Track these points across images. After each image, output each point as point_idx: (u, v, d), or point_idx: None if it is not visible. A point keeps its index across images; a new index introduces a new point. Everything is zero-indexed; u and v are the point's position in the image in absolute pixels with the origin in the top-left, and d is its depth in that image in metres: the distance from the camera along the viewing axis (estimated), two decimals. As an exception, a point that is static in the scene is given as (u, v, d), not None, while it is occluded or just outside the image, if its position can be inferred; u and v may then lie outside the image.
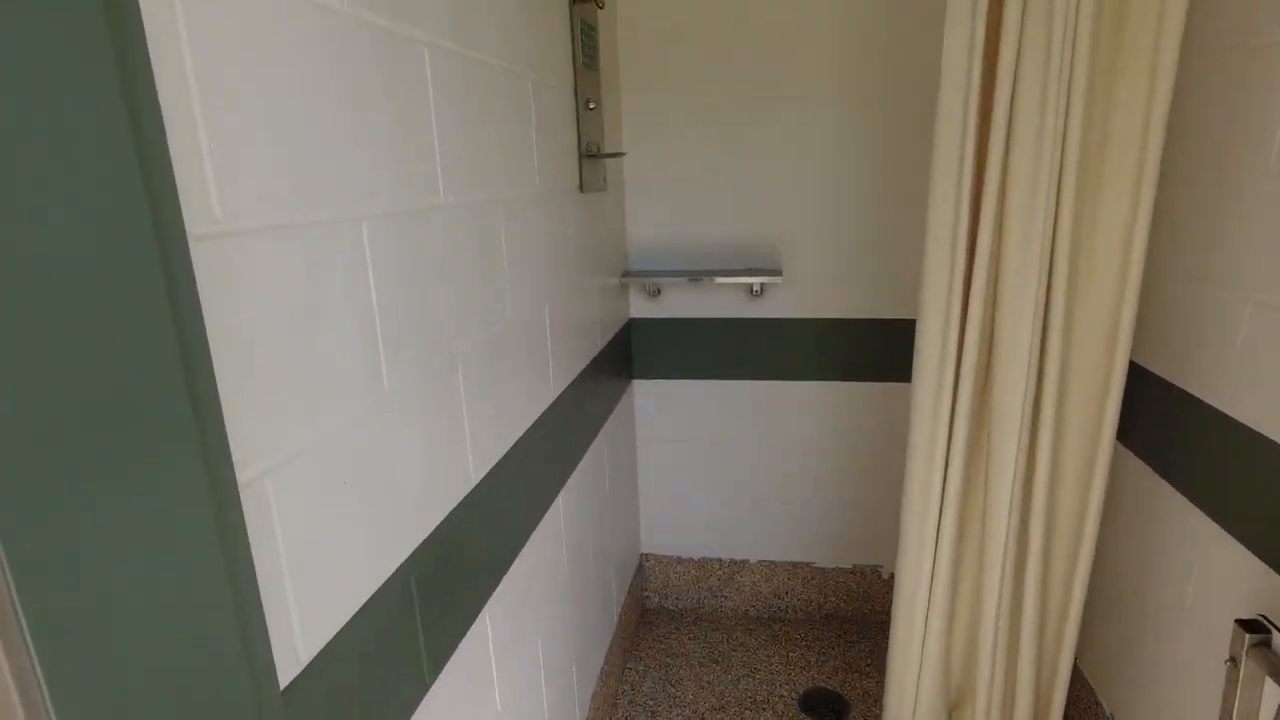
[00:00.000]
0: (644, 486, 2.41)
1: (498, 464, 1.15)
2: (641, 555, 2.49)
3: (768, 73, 1.98)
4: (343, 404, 0.72)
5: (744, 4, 1.94)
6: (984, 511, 1.51)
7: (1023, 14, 1.18)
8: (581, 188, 1.65)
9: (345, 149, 0.72)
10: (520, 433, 1.26)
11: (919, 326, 1.43)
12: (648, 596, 2.53)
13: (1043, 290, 1.32)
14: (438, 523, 0.93)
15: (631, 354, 2.27)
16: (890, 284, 2.11)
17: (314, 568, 0.67)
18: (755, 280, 2.05)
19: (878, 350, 2.18)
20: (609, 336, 1.98)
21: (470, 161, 1.04)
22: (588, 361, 1.75)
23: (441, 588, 0.93)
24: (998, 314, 1.37)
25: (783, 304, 2.18)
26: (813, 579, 2.42)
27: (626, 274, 2.14)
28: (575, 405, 1.62)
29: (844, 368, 2.20)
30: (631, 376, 2.29)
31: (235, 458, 0.56)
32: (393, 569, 0.81)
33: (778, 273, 2.07)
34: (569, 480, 1.59)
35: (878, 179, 2.02)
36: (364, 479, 0.76)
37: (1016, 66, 1.21)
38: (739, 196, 2.10)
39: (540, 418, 1.37)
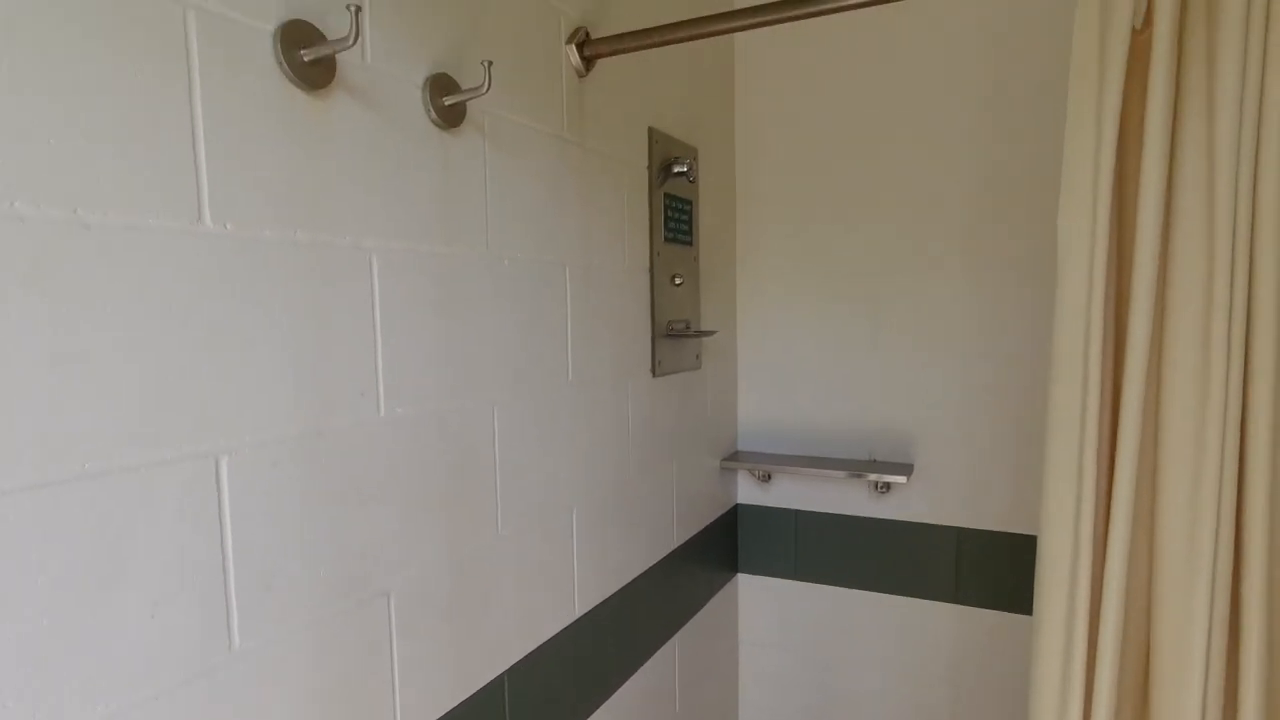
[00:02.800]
0: (744, 693, 2.06)
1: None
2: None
3: (895, 240, 1.76)
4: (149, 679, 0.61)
5: (867, 169, 1.76)
6: None
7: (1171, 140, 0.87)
8: (655, 370, 1.51)
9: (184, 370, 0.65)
10: (511, 662, 1.08)
11: (1039, 551, 1.04)
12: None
13: (1229, 517, 0.91)
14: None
15: (738, 544, 2.01)
16: (1056, 495, 1.68)
17: None
18: (878, 477, 1.74)
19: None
20: (700, 525, 1.76)
21: (440, 364, 0.94)
22: (657, 559, 1.54)
23: None
24: (1155, 555, 0.96)
25: (915, 504, 1.82)
26: None
27: (731, 457, 1.92)
28: (618, 619, 1.40)
29: (991, 592, 1.76)
30: (736, 569, 2.01)
31: None
32: None
33: (906, 468, 1.75)
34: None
35: (1028, 360, 1.66)
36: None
37: (1169, 201, 0.88)
38: (864, 377, 1.83)
39: (561, 633, 1.18)
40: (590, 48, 1.21)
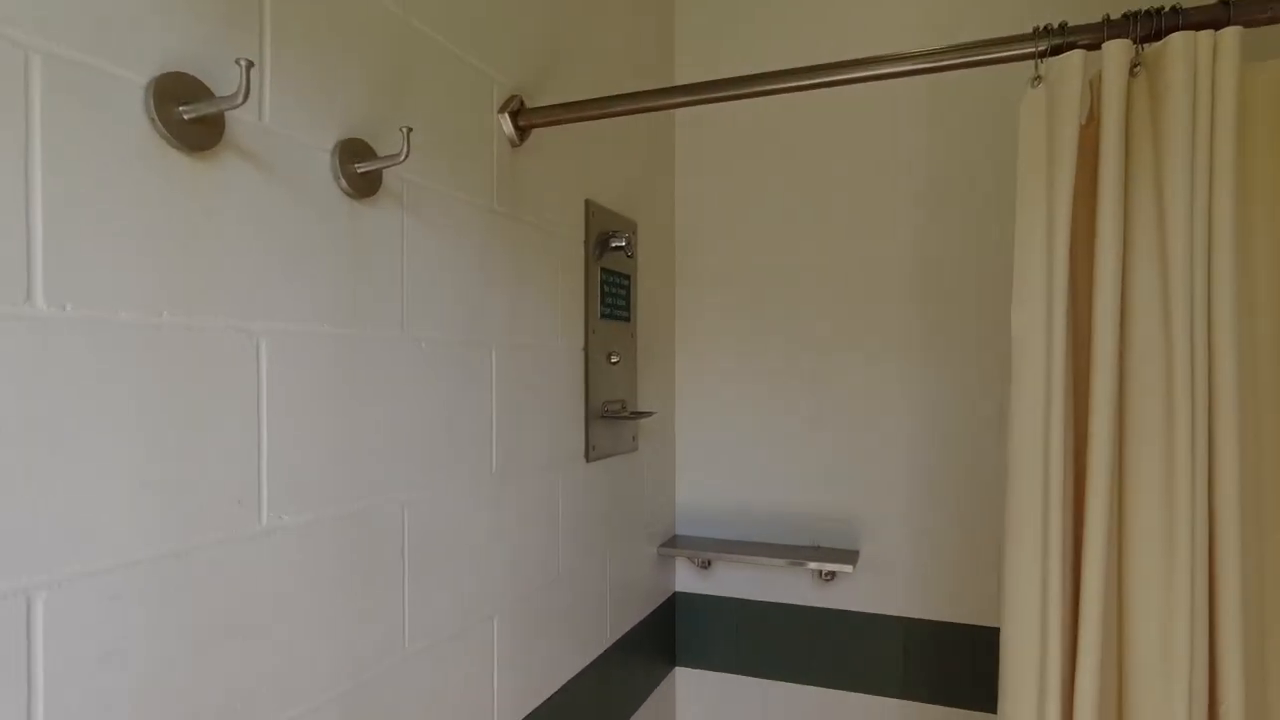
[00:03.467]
0: (686, 809, 1.90)
1: None
2: None
3: (840, 320, 1.72)
4: None
5: (809, 248, 1.74)
6: None
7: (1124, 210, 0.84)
8: (589, 455, 1.40)
9: None
10: (412, 809, 0.93)
11: (1002, 647, 0.95)
12: None
13: (1203, 614, 0.84)
14: None
15: (675, 635, 1.88)
16: (1002, 584, 1.63)
17: None
18: (821, 566, 1.66)
19: (992, 667, 1.65)
20: (636, 618, 1.64)
21: (341, 461, 0.82)
22: (590, 660, 1.41)
23: None
24: (1127, 656, 0.89)
25: (861, 593, 1.74)
26: None
27: (669, 542, 1.82)
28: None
29: (942, 687, 1.68)
30: (674, 663, 1.88)
31: None
32: None
33: (851, 555, 1.67)
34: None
35: (975, 443, 1.63)
36: None
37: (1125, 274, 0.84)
38: (807, 459, 1.76)
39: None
40: (524, 117, 1.14)
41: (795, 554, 1.71)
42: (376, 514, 0.88)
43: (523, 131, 1.16)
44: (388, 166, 0.84)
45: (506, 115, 1.13)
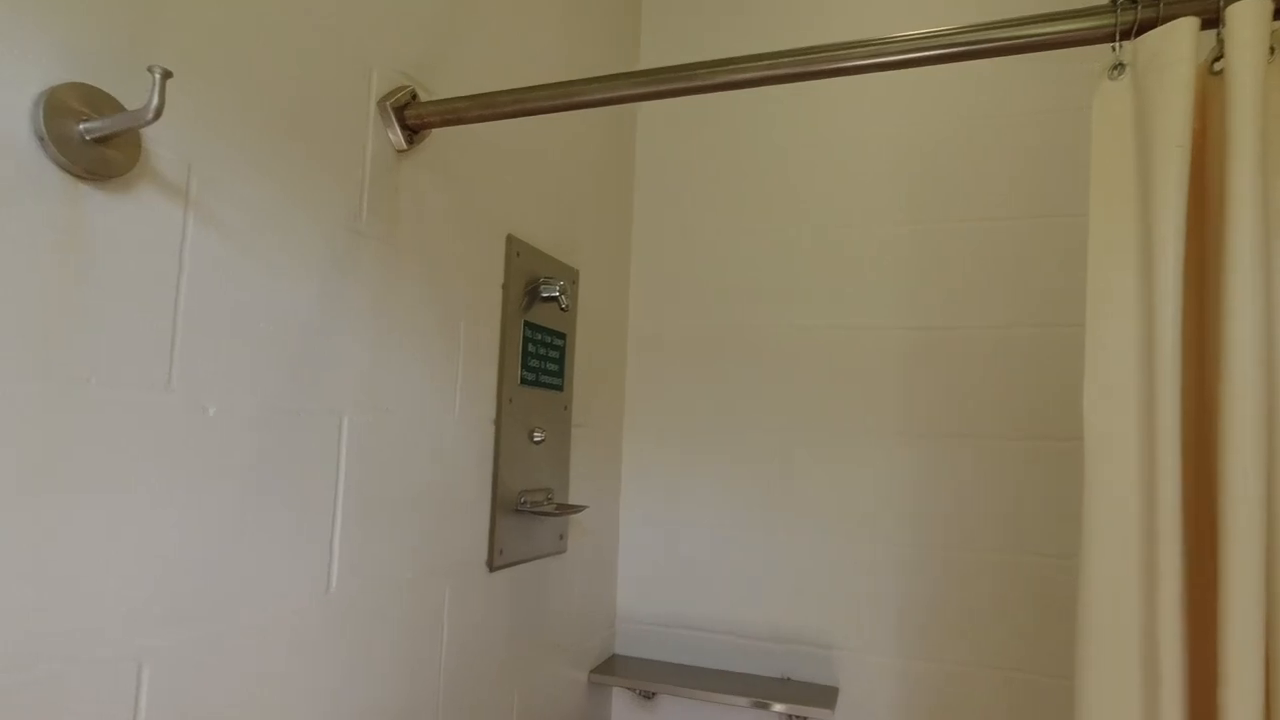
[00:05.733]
0: None
1: None
2: None
3: (819, 402, 1.43)
4: None
5: (786, 314, 1.46)
6: None
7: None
8: (493, 562, 1.07)
9: None
10: None
11: None
12: None
13: None
14: None
15: (608, 788, 1.50)
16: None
17: None
18: (793, 711, 1.31)
19: None
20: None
21: (33, 593, 0.49)
22: None
23: None
24: None
25: (841, 746, 1.38)
26: None
27: (605, 666, 1.46)
28: None
29: None
30: (605, 826, 1.49)
31: None
32: None
33: (829, 695, 1.33)
34: None
35: (981, 548, 1.31)
36: None
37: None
38: (779, 567, 1.43)
39: None
40: (416, 113, 0.86)
41: (760, 689, 1.36)
42: (76, 680, 0.54)
43: (413, 133, 0.87)
44: (128, 129, 0.53)
45: (389, 109, 0.84)
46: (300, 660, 0.74)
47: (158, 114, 0.51)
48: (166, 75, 0.51)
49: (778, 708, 1.33)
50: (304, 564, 0.74)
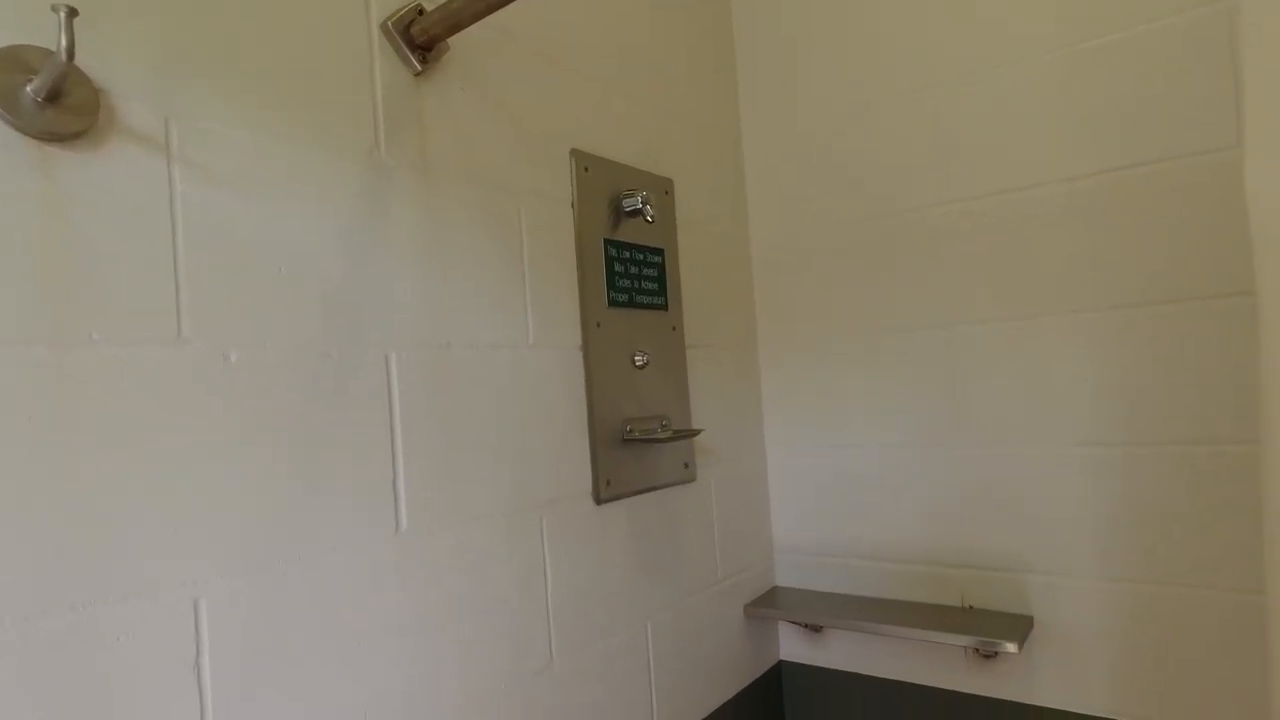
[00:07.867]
0: None
1: None
2: None
3: (1004, 282, 1.20)
4: None
5: (957, 178, 1.24)
6: None
7: None
8: (600, 494, 1.03)
9: None
10: None
11: None
12: None
13: None
14: None
15: (785, 716, 1.43)
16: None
17: None
18: (977, 641, 1.14)
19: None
20: (722, 697, 1.23)
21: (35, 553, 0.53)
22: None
23: None
24: None
25: (1038, 680, 1.19)
26: None
27: (764, 599, 1.38)
28: None
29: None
30: (785, 756, 1.43)
31: None
32: None
33: (1021, 624, 1.14)
34: None
35: (1206, 439, 1.03)
36: None
37: None
38: (954, 480, 1.25)
39: None
40: (420, 27, 0.80)
41: (938, 620, 1.21)
42: (136, 622, 0.58)
43: (425, 51, 0.82)
44: (56, 79, 0.53)
45: (391, 29, 0.80)
46: (375, 597, 0.75)
47: (70, 55, 0.50)
48: (72, 13, 0.49)
49: (963, 640, 1.16)
50: (364, 504, 0.74)
